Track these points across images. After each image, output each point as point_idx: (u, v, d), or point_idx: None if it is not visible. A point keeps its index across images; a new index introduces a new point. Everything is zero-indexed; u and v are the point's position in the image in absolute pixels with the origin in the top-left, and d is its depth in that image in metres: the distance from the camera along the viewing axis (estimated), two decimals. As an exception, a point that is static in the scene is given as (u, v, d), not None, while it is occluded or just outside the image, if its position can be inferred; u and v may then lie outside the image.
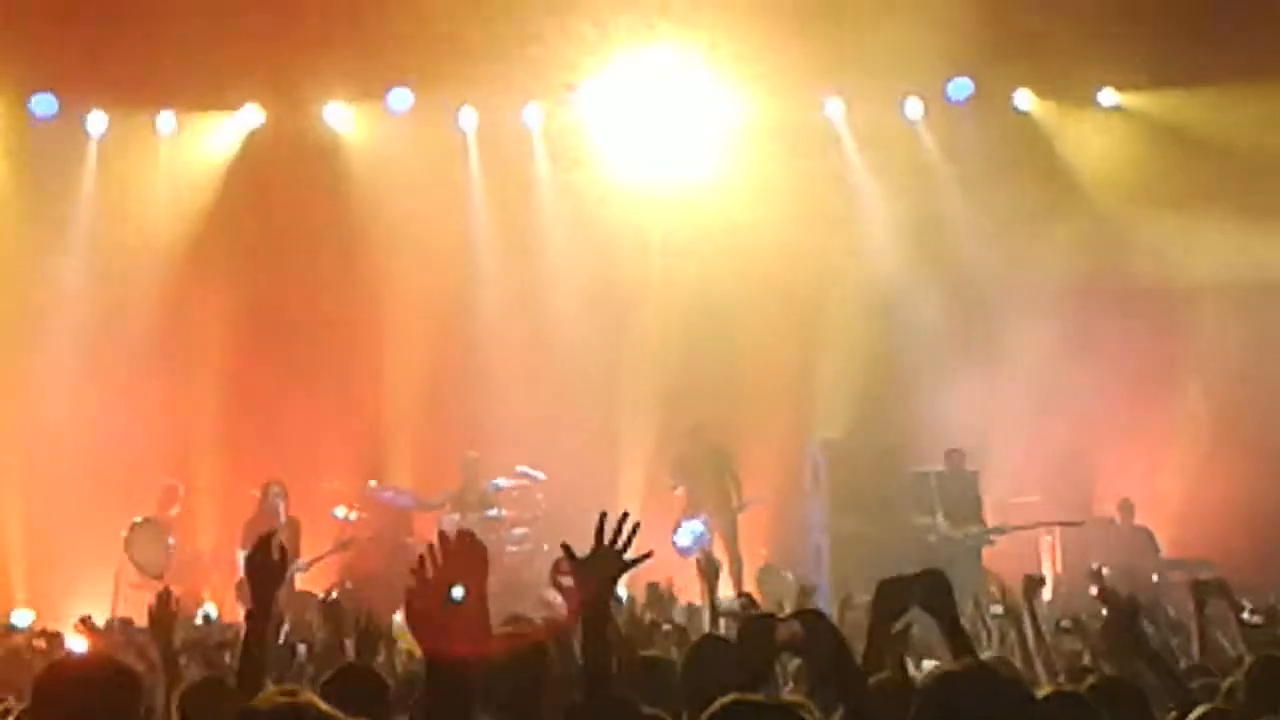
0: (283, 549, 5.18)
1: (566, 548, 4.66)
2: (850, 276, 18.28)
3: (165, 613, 6.38)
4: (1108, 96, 18.88)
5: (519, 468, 17.06)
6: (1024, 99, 18.89)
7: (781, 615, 5.10)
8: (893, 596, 5.08)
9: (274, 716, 3.05)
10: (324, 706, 3.06)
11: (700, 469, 17.01)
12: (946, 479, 16.64)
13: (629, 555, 4.58)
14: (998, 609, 8.31)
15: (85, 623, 9.31)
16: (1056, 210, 18.14)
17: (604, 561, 4.56)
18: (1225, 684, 5.93)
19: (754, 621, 5.16)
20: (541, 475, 17.04)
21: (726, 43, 17.24)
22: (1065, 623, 8.55)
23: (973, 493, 16.69)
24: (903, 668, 5.72)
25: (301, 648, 8.19)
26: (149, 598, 14.44)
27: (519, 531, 16.92)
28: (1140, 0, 17.44)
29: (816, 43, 17.04)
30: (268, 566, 5.11)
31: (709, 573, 8.68)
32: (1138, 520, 17.25)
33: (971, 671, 4.09)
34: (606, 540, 4.53)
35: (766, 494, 17.10)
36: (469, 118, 18.63)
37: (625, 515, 4.63)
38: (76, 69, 17.09)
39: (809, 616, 4.94)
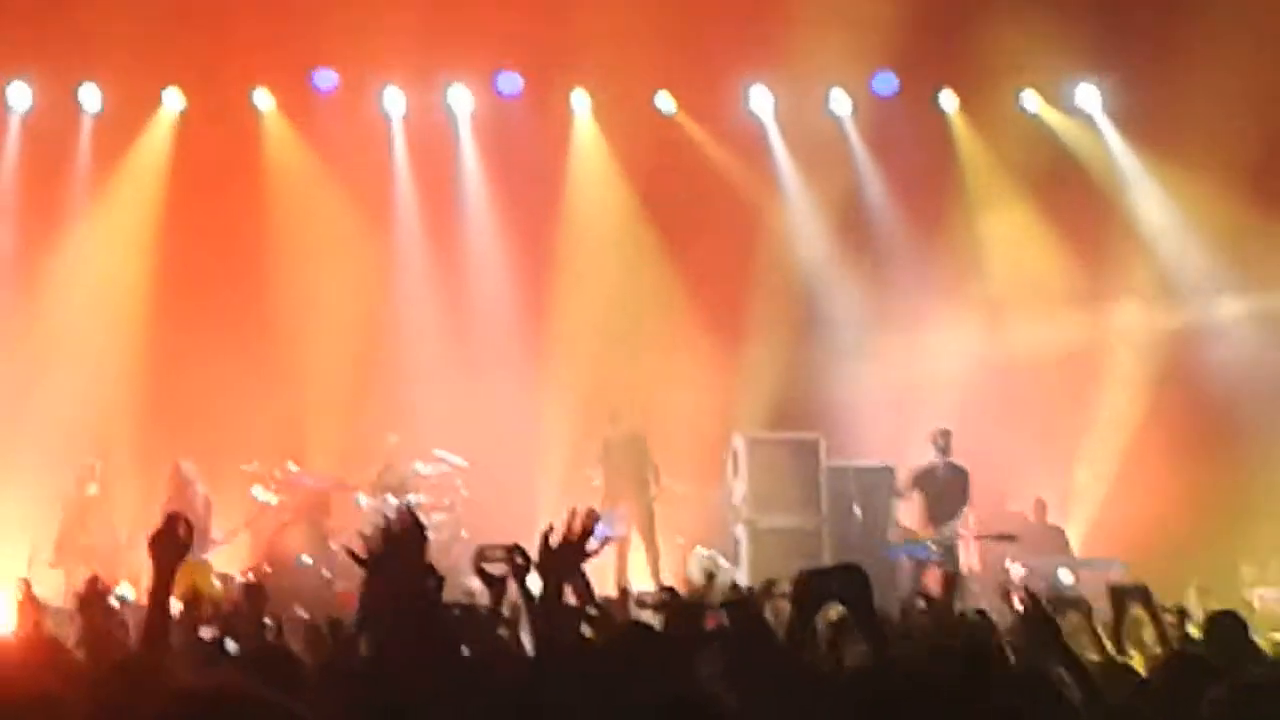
0: (189, 526, 5.16)
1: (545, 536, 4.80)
2: (776, 266, 18.47)
3: (94, 594, 6.38)
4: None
5: (436, 451, 17.02)
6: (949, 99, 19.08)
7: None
8: (812, 587, 5.14)
9: (211, 699, 3.02)
10: (263, 690, 3.03)
11: (618, 457, 17.01)
12: (865, 474, 16.73)
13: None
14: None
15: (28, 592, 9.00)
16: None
17: (566, 551, 4.93)
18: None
19: (681, 608, 5.23)
20: (461, 460, 17.01)
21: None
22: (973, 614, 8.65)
23: (888, 488, 16.77)
24: (835, 655, 5.77)
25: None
26: (63, 575, 14.34)
27: (437, 517, 16.85)
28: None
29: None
30: (172, 544, 5.10)
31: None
32: (1050, 519, 17.46)
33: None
34: (567, 532, 4.90)
35: (688, 483, 17.15)
36: (395, 99, 18.62)
37: (591, 511, 5.04)
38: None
39: (735, 605, 5.01)
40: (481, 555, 6.19)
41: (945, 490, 15.90)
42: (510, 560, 6.10)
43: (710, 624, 5.27)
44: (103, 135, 18.09)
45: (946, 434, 16.21)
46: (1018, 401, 17.88)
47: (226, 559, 15.94)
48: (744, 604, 5.02)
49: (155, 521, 15.33)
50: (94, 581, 6.43)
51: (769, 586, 9.19)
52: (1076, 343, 18.23)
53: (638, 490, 16.89)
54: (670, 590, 6.15)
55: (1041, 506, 17.44)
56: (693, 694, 3.83)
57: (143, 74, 17.71)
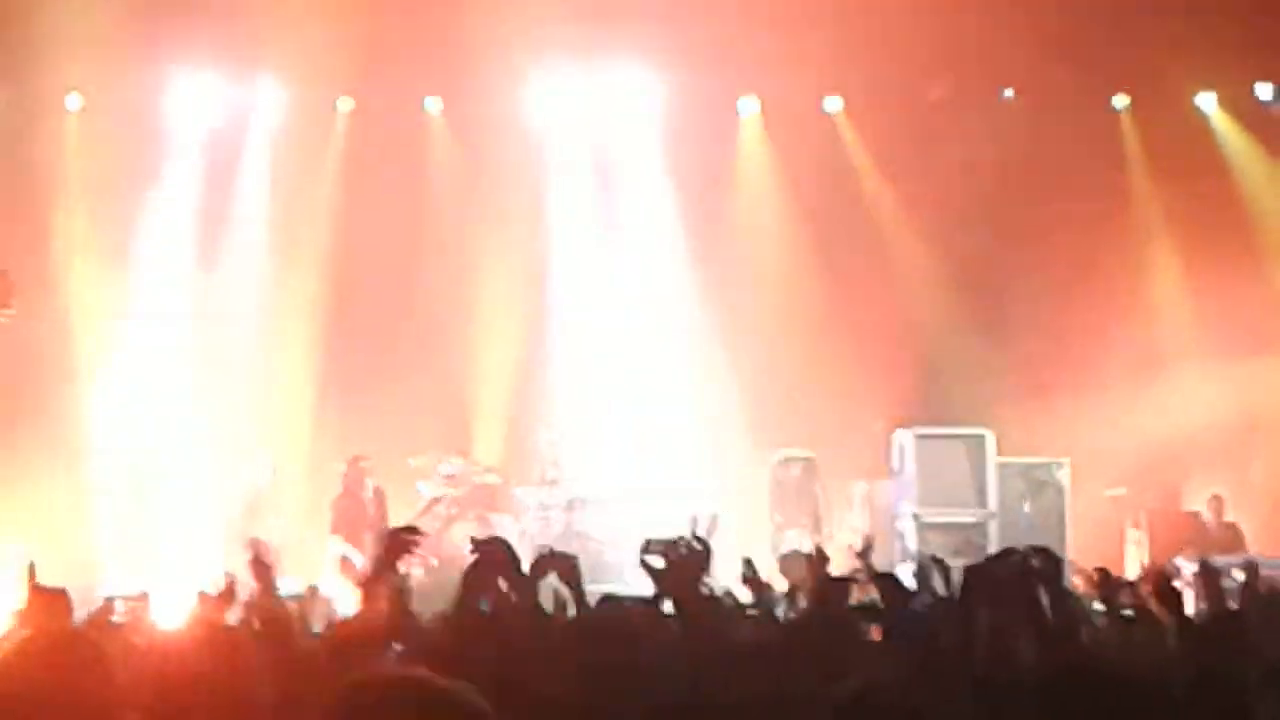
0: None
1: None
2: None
3: (262, 559, 6.49)
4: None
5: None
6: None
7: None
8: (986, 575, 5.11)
9: (384, 689, 3.00)
10: (440, 680, 2.99)
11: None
12: (1034, 470, 16.50)
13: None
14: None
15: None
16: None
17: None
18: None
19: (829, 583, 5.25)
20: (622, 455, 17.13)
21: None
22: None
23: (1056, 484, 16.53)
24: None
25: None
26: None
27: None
28: None
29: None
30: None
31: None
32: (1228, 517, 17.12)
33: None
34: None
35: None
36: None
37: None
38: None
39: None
40: (647, 547, 6.21)
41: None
42: (671, 554, 6.13)
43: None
44: (277, 137, 18.38)
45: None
46: (1191, 394, 17.55)
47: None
48: (895, 579, 4.98)
49: (326, 516, 15.56)
50: (258, 544, 6.54)
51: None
52: (1249, 328, 17.86)
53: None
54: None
55: (1219, 503, 17.08)
56: (881, 687, 3.75)
57: (317, 79, 17.98)
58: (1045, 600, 4.97)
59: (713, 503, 15.73)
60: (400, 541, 5.67)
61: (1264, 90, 18.77)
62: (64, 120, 17.65)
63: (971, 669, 4.76)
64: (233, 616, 6.19)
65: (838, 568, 14.71)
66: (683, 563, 6.11)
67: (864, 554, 10.28)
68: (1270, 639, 6.15)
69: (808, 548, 15.28)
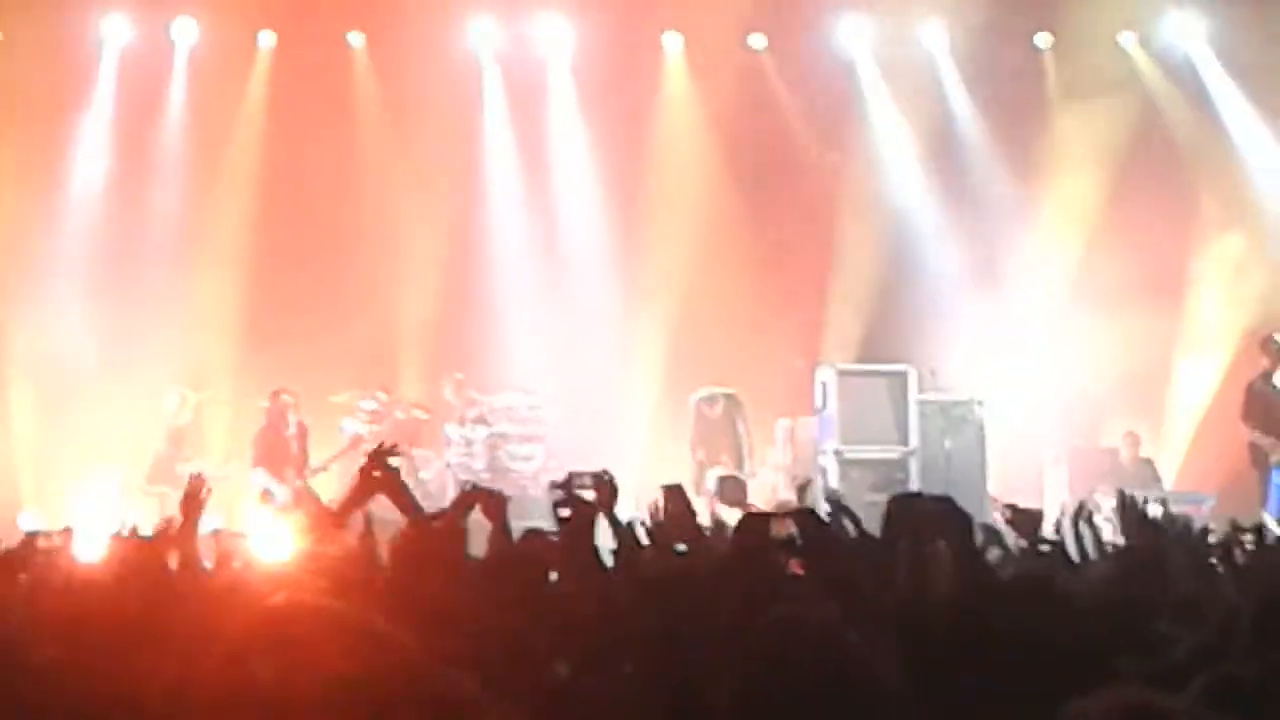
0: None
1: None
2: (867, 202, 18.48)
3: (196, 497, 6.37)
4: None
5: (527, 384, 17.16)
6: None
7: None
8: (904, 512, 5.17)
9: (290, 613, 3.04)
10: (338, 604, 3.04)
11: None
12: (955, 408, 16.61)
13: None
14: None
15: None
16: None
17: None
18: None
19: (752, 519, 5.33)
20: (551, 391, 17.11)
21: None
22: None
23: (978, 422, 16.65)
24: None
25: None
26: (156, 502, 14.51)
27: (528, 448, 16.99)
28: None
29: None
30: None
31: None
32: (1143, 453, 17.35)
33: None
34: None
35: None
36: (484, 33, 18.61)
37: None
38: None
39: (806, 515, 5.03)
40: (569, 482, 6.21)
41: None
42: (599, 486, 6.15)
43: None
44: (198, 71, 18.18)
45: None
46: (1110, 335, 17.73)
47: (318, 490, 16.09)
48: (814, 514, 5.02)
49: (246, 450, 15.46)
50: (199, 480, 6.42)
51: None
52: (1167, 273, 18.05)
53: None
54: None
55: (1134, 441, 17.30)
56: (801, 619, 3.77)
57: (237, 13, 17.79)
58: (964, 536, 5.03)
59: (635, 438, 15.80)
60: (376, 480, 5.55)
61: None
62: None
63: (890, 601, 4.82)
64: (158, 552, 6.12)
65: (761, 504, 14.93)
66: (604, 496, 6.14)
67: (802, 491, 10.40)
68: (1184, 572, 6.25)
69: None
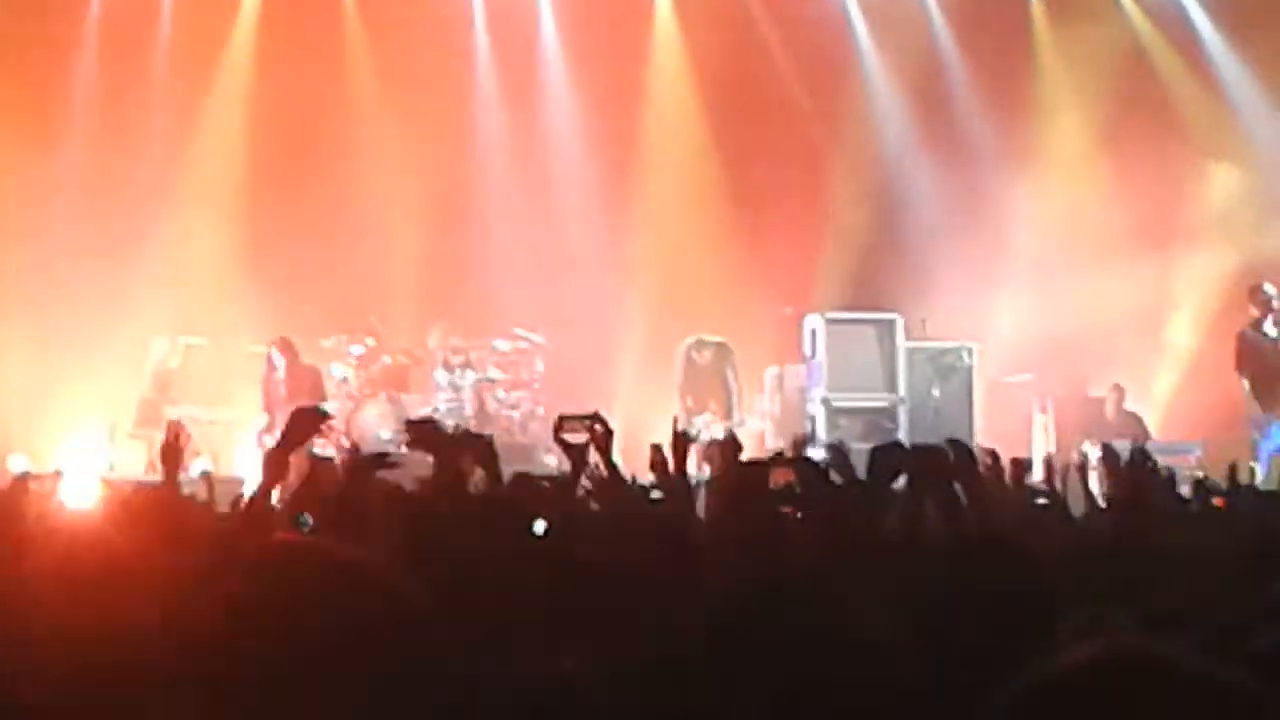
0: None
1: None
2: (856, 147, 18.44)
3: (175, 445, 6.35)
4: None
5: (516, 330, 17.12)
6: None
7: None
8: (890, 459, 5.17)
9: (287, 555, 3.03)
10: (344, 548, 3.01)
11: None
12: (944, 354, 16.62)
13: None
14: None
15: None
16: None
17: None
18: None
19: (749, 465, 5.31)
20: (540, 338, 17.09)
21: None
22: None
23: (966, 369, 16.66)
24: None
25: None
26: (144, 446, 14.50)
27: (516, 394, 17.01)
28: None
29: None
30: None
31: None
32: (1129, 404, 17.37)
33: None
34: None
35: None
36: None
37: None
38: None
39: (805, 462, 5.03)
40: (561, 425, 6.21)
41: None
42: (592, 429, 6.14)
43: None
44: (185, 13, 18.07)
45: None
46: (1100, 282, 17.74)
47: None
48: (813, 462, 5.03)
49: (233, 395, 15.41)
50: (176, 428, 6.40)
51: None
52: (1156, 219, 18.04)
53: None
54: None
55: (1120, 393, 17.32)
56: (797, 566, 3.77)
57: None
58: (958, 482, 5.04)
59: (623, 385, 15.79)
60: (307, 420, 5.60)
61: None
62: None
63: (883, 547, 4.83)
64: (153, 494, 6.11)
65: (750, 453, 14.94)
66: (599, 438, 6.13)
67: (798, 446, 10.39)
68: (1171, 522, 6.28)
69: (718, 432, 15.44)
